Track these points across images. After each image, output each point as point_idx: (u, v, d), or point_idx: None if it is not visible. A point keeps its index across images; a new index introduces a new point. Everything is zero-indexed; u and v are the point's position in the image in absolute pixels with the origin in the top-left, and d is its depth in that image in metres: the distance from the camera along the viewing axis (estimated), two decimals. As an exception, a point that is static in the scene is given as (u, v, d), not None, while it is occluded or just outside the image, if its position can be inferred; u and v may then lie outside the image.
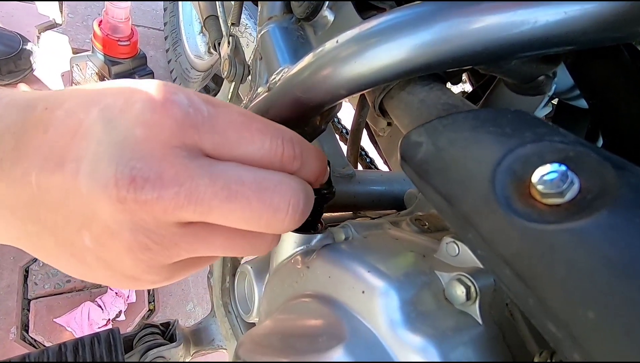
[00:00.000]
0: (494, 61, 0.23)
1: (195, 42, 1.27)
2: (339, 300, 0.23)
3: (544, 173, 0.15)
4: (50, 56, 1.22)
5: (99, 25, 0.84)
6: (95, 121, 0.17)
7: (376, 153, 0.82)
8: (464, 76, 0.63)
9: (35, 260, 0.86)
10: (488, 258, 0.16)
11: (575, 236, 0.13)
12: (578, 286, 0.12)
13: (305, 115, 0.30)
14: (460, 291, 0.21)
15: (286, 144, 0.20)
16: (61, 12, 1.39)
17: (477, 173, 0.17)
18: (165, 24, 1.41)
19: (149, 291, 0.96)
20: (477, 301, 0.21)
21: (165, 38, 1.40)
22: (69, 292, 0.88)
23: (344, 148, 0.68)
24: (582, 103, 0.34)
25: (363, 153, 0.80)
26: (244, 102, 0.36)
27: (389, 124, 0.69)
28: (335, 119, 0.88)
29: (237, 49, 0.42)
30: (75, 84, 1.02)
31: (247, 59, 0.42)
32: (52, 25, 1.35)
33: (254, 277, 0.37)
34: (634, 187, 0.13)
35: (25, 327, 0.81)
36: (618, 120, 0.22)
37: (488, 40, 0.20)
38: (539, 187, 0.15)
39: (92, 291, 0.90)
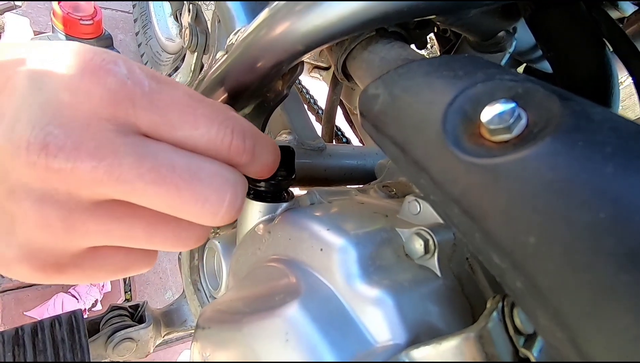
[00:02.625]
0: (452, 11, 0.22)
1: (166, 24, 1.22)
2: (299, 261, 0.22)
3: (492, 111, 0.15)
4: (10, 40, 1.15)
5: (59, 3, 0.80)
6: (23, 79, 0.16)
7: (352, 132, 0.81)
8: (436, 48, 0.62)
9: (0, 252, 0.82)
10: (439, 202, 0.16)
11: (518, 165, 0.13)
12: (520, 213, 0.12)
13: (266, 78, 0.29)
14: (418, 244, 0.21)
15: (236, 134, 0.18)
16: (24, 0, 1.31)
17: (429, 116, 0.17)
18: (134, 6, 1.35)
19: (125, 280, 0.94)
20: (436, 255, 0.20)
21: (135, 21, 1.34)
22: (38, 284, 0.84)
23: (319, 127, 0.67)
24: (547, 66, 0.34)
25: (339, 132, 0.80)
26: (205, 69, 0.34)
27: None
28: (312, 100, 0.86)
29: (198, 17, 0.40)
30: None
31: (209, 29, 0.41)
32: (11, 7, 1.27)
33: (222, 252, 0.36)
34: (578, 114, 0.13)
35: (-7, 321, 0.77)
36: (571, 68, 0.22)
37: (443, -14, 0.19)
38: (488, 124, 0.15)
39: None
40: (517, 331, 0.16)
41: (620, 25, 0.35)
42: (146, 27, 1.27)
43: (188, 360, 0.91)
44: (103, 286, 0.89)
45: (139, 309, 0.43)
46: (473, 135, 0.16)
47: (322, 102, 0.86)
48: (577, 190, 0.11)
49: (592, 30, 0.23)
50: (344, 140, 0.80)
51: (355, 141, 0.83)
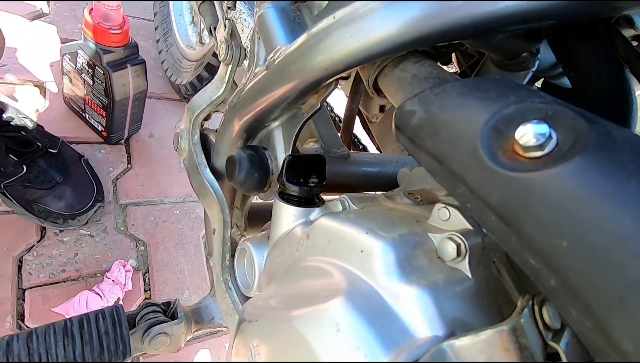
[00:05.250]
0: (481, 36, 0.24)
1: (186, 32, 1.26)
2: (339, 261, 0.24)
3: (525, 130, 0.17)
4: (38, 47, 1.21)
5: (90, 12, 0.83)
6: None
7: (369, 140, 0.83)
8: (456, 64, 0.64)
9: (29, 249, 0.85)
10: (476, 209, 0.18)
11: (552, 179, 0.15)
12: (553, 221, 0.14)
13: (303, 92, 0.31)
14: (451, 248, 0.22)
15: None
16: (48, 1, 1.36)
17: (466, 132, 0.19)
18: (155, 14, 1.39)
19: (144, 279, 0.96)
20: (467, 257, 0.22)
21: (156, 28, 1.38)
22: (64, 282, 0.88)
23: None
24: (565, 82, 0.36)
25: (356, 140, 0.82)
26: (243, 81, 0.37)
27: (382, 110, 0.70)
28: (328, 108, 0.89)
29: (233, 32, 0.43)
30: (66, 75, 1.01)
31: (242, 43, 0.43)
32: (40, 15, 1.32)
33: (254, 252, 0.38)
34: (603, 135, 0.15)
35: (20, 317, 0.81)
36: (592, 87, 0.23)
37: (474, 15, 0.22)
38: (521, 142, 0.17)
39: (88, 281, 0.90)
40: (546, 326, 0.17)
41: (635, 44, 0.37)
42: (167, 34, 1.31)
43: (208, 361, 0.93)
44: (124, 284, 0.92)
45: (171, 306, 0.46)
46: (507, 151, 0.18)
47: (338, 110, 0.88)
48: (604, 202, 0.13)
49: (610, 52, 0.24)
50: (361, 147, 0.82)
51: (371, 148, 0.85)
